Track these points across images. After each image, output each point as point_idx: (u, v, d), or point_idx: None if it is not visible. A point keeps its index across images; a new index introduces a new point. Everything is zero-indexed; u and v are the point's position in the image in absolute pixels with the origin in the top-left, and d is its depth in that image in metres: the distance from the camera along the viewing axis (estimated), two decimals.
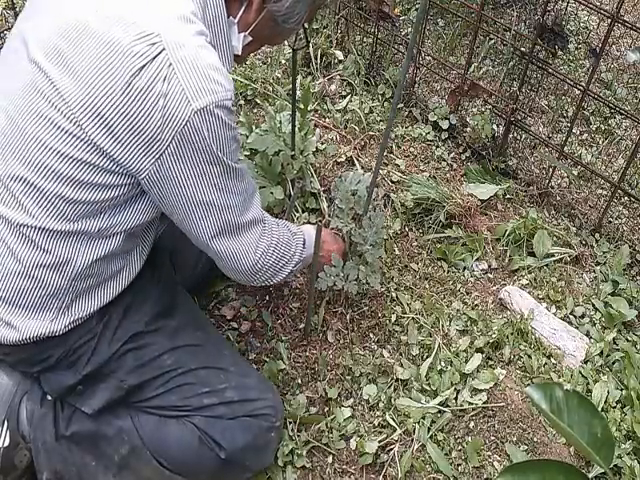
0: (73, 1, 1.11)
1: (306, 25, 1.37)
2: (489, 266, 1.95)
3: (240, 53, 1.24)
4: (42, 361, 1.24)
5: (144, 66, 1.02)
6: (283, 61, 2.47)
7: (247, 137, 1.95)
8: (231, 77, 1.17)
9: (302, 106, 1.89)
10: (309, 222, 1.92)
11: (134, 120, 1.04)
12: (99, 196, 1.11)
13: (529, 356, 1.71)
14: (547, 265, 1.93)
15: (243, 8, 1.19)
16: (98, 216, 1.14)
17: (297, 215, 1.92)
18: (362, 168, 2.11)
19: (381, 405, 1.59)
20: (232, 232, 1.24)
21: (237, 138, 1.17)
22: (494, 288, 1.89)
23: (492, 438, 1.58)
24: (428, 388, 1.61)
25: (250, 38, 1.24)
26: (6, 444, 1.28)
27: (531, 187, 2.13)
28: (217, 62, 1.09)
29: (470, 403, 1.60)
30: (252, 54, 2.46)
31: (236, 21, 1.19)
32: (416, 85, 2.38)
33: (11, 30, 1.23)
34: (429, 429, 1.55)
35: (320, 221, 1.93)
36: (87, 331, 1.24)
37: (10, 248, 1.14)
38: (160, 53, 1.03)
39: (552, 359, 1.71)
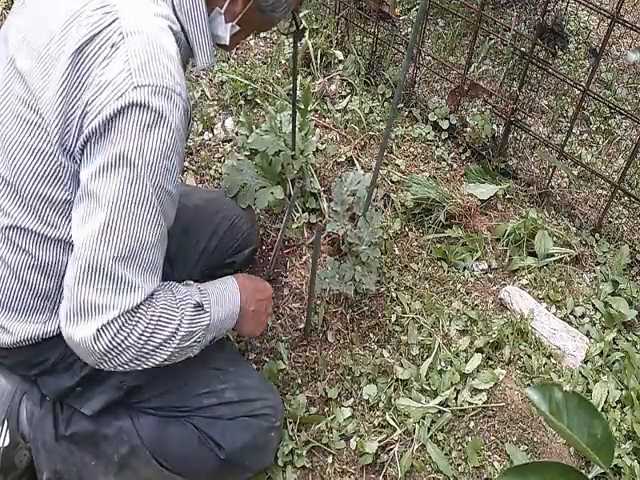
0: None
1: (295, 11, 1.31)
2: (489, 266, 1.95)
3: (228, 43, 1.20)
4: (39, 364, 1.24)
5: (97, 34, 0.99)
6: (283, 61, 2.47)
7: (247, 137, 1.95)
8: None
9: (302, 106, 1.89)
10: (309, 222, 1.92)
11: (75, 86, 1.00)
12: (73, 195, 1.08)
13: (529, 356, 1.71)
14: (547, 265, 1.93)
15: None
16: None
17: (297, 215, 1.92)
18: (362, 168, 2.11)
19: (381, 405, 1.59)
20: (100, 271, 0.99)
21: (172, 158, 1.01)
22: (494, 288, 1.89)
23: (492, 438, 1.58)
24: (428, 388, 1.61)
25: (238, 27, 1.20)
26: (6, 444, 1.28)
27: (531, 187, 2.13)
28: (173, 51, 1.04)
29: (470, 403, 1.60)
30: (252, 54, 2.47)
31: (222, 11, 1.16)
32: (416, 85, 2.38)
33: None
34: (429, 429, 1.55)
35: (320, 221, 1.93)
36: None
37: None
38: (113, 22, 1.00)
39: (552, 359, 1.71)
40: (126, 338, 1.01)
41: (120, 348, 1.01)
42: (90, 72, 0.99)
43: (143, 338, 1.03)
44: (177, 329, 1.08)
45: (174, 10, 1.10)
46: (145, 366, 1.06)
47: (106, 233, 0.98)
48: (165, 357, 1.08)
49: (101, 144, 0.99)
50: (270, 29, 1.38)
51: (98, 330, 0.99)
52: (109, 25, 0.99)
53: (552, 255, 1.94)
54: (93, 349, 1.00)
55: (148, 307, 1.04)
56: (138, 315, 1.02)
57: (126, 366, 1.05)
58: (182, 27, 1.11)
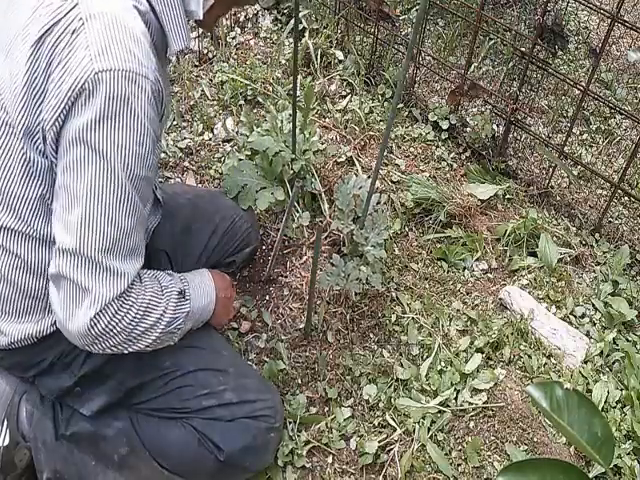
0: None
1: None
2: (489, 266, 1.95)
3: (202, 17, 1.11)
4: (36, 365, 1.24)
5: (57, 22, 0.97)
6: (283, 61, 2.47)
7: (247, 137, 1.95)
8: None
9: (305, 105, 1.89)
10: (311, 222, 1.92)
11: (40, 78, 0.98)
12: (46, 191, 1.06)
13: (529, 356, 1.71)
14: (547, 265, 1.93)
15: None
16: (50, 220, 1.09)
17: (297, 215, 1.92)
18: (362, 168, 2.11)
19: (381, 405, 1.59)
20: (87, 261, 1.01)
21: (144, 142, 0.99)
22: (494, 288, 1.89)
23: (492, 438, 1.58)
24: (428, 388, 1.61)
25: (212, 0, 1.12)
26: (6, 443, 1.28)
27: (531, 187, 2.13)
28: (138, 32, 0.99)
29: (470, 403, 1.60)
30: (252, 54, 2.47)
31: None
32: (416, 85, 2.38)
33: None
34: (429, 429, 1.55)
35: (321, 221, 1.93)
36: None
37: None
38: (73, 8, 0.97)
39: (552, 359, 1.71)
40: (118, 323, 1.05)
41: (113, 332, 1.05)
42: (51, 62, 0.97)
43: (133, 323, 1.07)
44: (162, 314, 1.13)
45: None
46: (131, 350, 1.11)
47: (86, 226, 0.99)
48: (150, 341, 1.12)
49: (70, 136, 0.97)
50: (249, 3, 1.31)
51: (92, 318, 1.02)
52: (69, 12, 0.97)
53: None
54: (88, 333, 1.03)
55: (138, 293, 1.08)
56: (130, 301, 1.06)
57: (114, 348, 1.08)
58: (152, 7, 1.06)
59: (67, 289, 1.03)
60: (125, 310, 1.06)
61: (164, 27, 1.08)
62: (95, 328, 1.04)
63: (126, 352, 1.11)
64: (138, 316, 1.08)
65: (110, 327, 1.05)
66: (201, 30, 1.26)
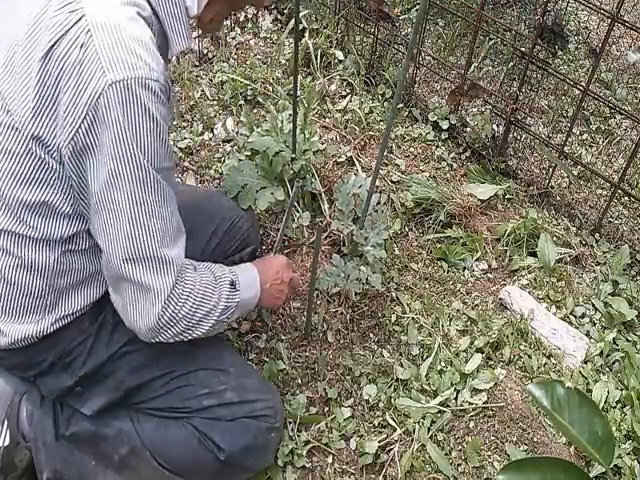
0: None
1: None
2: (489, 266, 1.95)
3: (196, 12, 1.11)
4: (36, 365, 1.23)
5: (64, 34, 0.98)
6: (283, 61, 2.47)
7: (247, 137, 1.95)
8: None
9: (306, 105, 1.89)
10: (311, 222, 1.92)
11: (50, 91, 1.00)
12: (49, 196, 1.07)
13: (529, 356, 1.71)
14: (545, 265, 1.93)
15: None
16: (57, 222, 1.11)
17: (297, 215, 1.92)
18: (362, 168, 2.11)
19: (381, 405, 1.59)
20: (143, 261, 1.07)
21: (164, 139, 1.05)
22: (494, 288, 1.89)
23: (492, 438, 1.58)
24: (428, 388, 1.61)
25: None
26: (6, 444, 1.28)
27: (531, 187, 2.13)
28: (146, 38, 1.01)
29: (470, 403, 1.60)
30: (252, 54, 2.47)
31: None
32: (416, 85, 2.38)
33: None
34: (429, 429, 1.55)
35: (321, 221, 1.93)
36: (80, 332, 1.23)
37: None
38: (80, 20, 0.98)
39: (552, 359, 1.71)
40: (180, 311, 1.13)
41: (176, 320, 1.14)
42: (61, 76, 0.98)
43: (192, 309, 1.15)
44: (217, 302, 1.20)
45: None
46: (191, 337, 1.19)
47: (139, 231, 1.05)
48: (207, 328, 1.19)
49: (98, 155, 1.01)
50: (247, 3, 1.29)
51: (159, 312, 1.11)
52: (75, 24, 0.98)
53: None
54: (156, 326, 1.12)
55: (194, 282, 1.16)
56: (188, 289, 1.14)
57: (177, 337, 1.17)
58: (154, 10, 1.07)
59: (130, 292, 1.10)
60: (184, 298, 1.13)
61: (166, 29, 1.10)
62: (162, 320, 1.12)
63: (186, 340, 1.19)
64: (196, 303, 1.15)
65: (173, 316, 1.13)
66: (201, 30, 1.27)
